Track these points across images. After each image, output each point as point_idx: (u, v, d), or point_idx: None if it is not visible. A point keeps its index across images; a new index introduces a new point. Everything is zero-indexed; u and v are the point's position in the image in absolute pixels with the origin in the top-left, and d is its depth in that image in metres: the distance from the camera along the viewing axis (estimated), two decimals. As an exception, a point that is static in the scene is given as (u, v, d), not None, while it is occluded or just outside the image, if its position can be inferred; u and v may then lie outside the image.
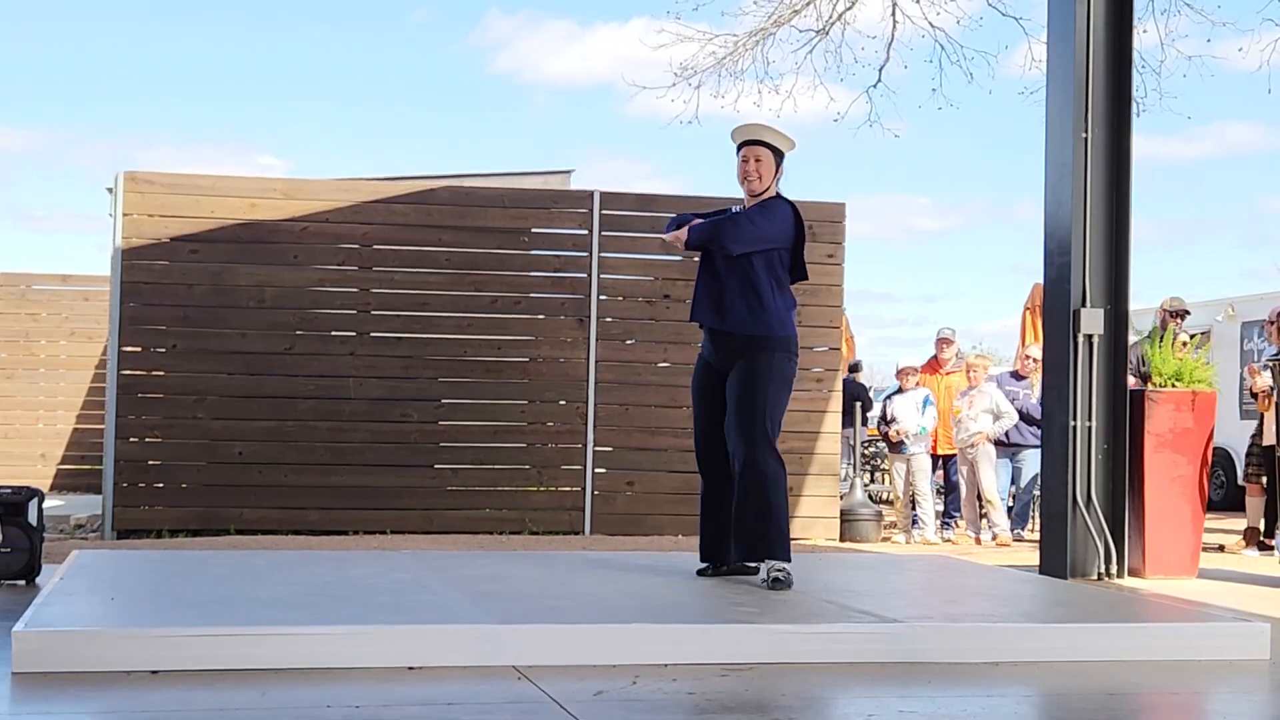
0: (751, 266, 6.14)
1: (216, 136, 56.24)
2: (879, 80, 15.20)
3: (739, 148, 6.29)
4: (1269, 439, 10.65)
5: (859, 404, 12.49)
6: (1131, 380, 8.71)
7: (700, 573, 6.36)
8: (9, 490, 6.55)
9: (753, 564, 6.21)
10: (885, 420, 12.22)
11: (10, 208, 56.96)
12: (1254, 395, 11.06)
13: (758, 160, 6.22)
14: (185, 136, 53.92)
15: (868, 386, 13.41)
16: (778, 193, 6.34)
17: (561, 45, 55.48)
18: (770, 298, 6.19)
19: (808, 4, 14.81)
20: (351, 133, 57.47)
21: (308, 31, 55.29)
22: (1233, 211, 57.89)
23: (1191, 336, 10.92)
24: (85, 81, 55.30)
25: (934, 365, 12.83)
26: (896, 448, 12.16)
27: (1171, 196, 55.41)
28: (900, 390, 12.36)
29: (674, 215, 6.51)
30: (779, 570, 6.01)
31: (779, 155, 6.29)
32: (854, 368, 14.03)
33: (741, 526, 6.09)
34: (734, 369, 6.20)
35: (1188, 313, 11.56)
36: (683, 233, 6.21)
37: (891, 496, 12.40)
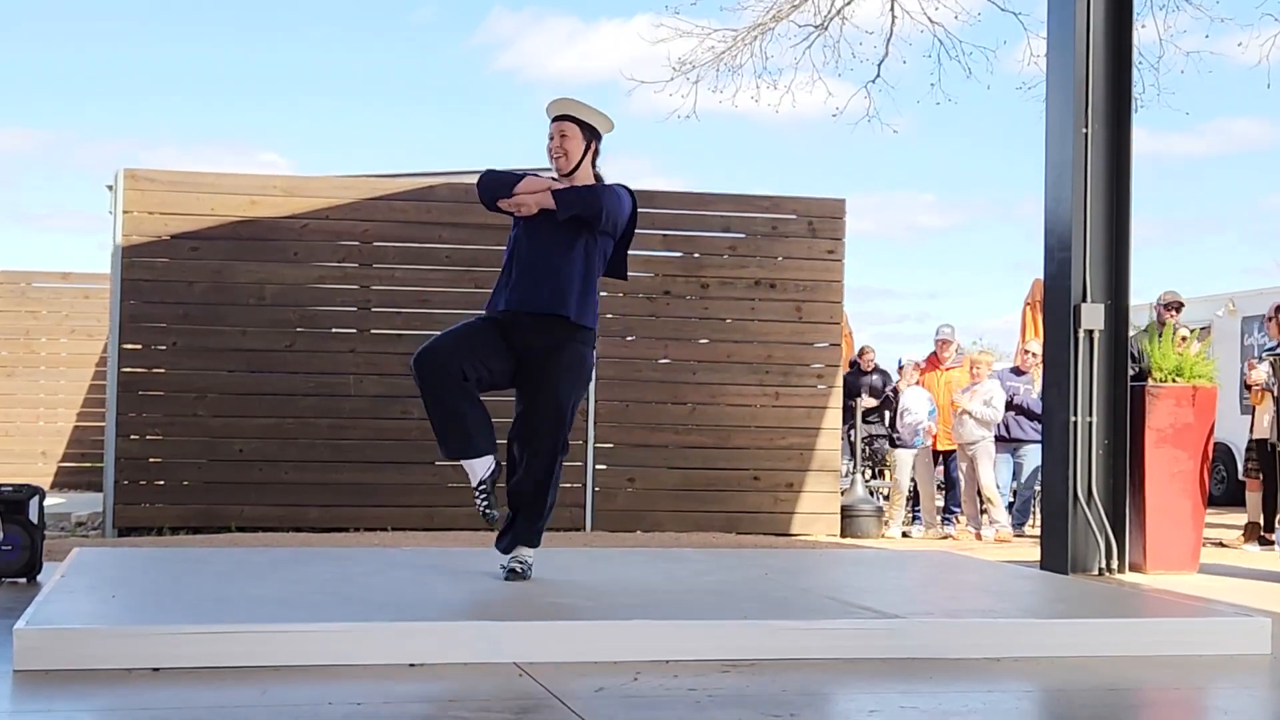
0: (590, 254, 5.70)
1: (220, 135, 56.15)
2: (878, 75, 15.22)
3: (550, 122, 5.78)
4: (1259, 433, 10.67)
5: (859, 399, 12.52)
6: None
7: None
8: (10, 488, 6.54)
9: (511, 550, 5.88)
10: (895, 411, 12.26)
11: (13, 207, 56.99)
12: (1248, 388, 11.07)
13: (564, 137, 5.74)
14: (189, 135, 53.83)
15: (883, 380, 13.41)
16: (597, 176, 5.87)
17: (564, 42, 55.40)
18: (595, 288, 5.79)
19: (806, -1, 14.82)
20: (355, 131, 57.39)
21: (310, 31, 55.22)
22: (1237, 208, 57.76)
23: (1191, 331, 10.91)
24: (88, 81, 55.27)
25: (934, 361, 12.86)
26: (905, 441, 12.18)
27: (1175, 194, 55.25)
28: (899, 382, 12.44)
29: (484, 175, 5.82)
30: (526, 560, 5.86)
31: (591, 134, 5.81)
32: (862, 352, 14.04)
33: (525, 523, 5.87)
34: (549, 355, 5.67)
35: (1181, 304, 11.56)
36: (545, 198, 5.63)
37: (890, 491, 12.41)
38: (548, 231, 5.69)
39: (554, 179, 5.88)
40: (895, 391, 12.51)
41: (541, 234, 5.70)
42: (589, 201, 5.63)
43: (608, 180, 5.89)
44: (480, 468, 5.73)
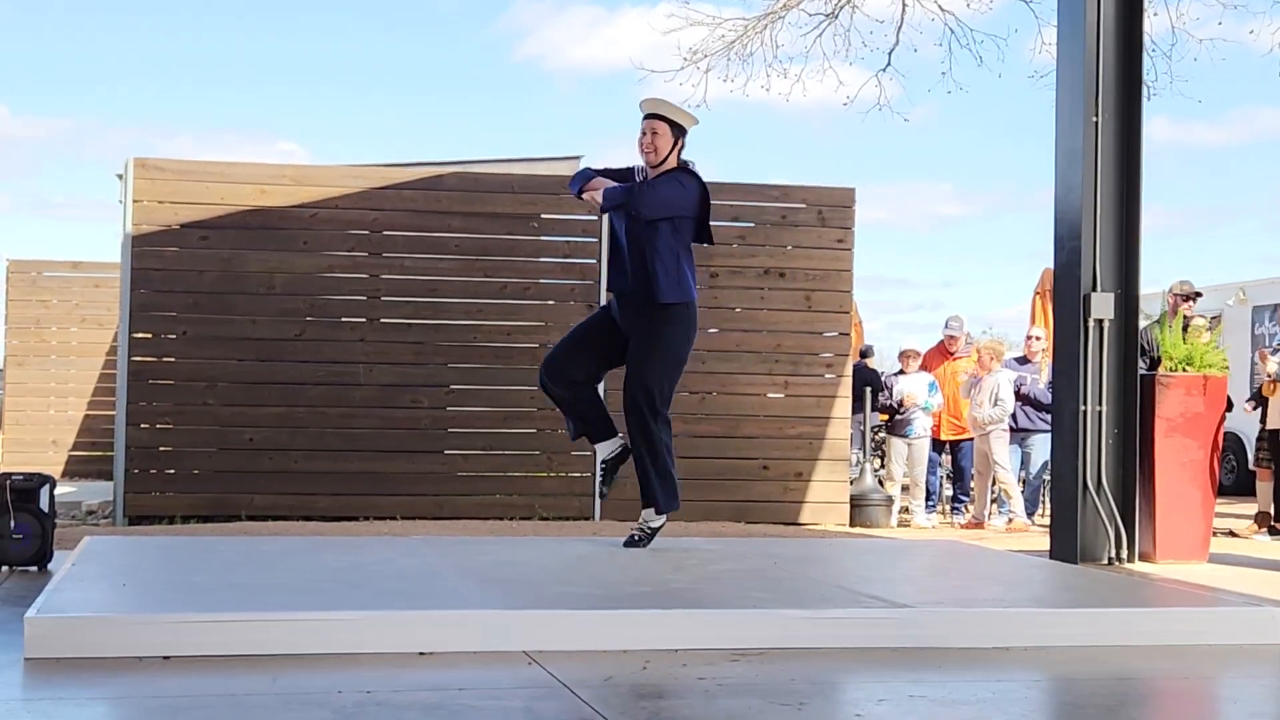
0: (660, 235, 6.45)
1: (238, 125, 56.21)
2: (888, 64, 15.20)
3: (642, 119, 6.57)
4: (1273, 423, 10.65)
5: (869, 389, 12.49)
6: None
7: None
8: (21, 477, 6.55)
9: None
10: (890, 396, 12.24)
11: (32, 196, 57.23)
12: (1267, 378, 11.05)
13: (654, 134, 6.51)
14: (205, 124, 53.94)
15: (880, 372, 13.42)
16: (681, 163, 6.63)
17: (587, 31, 55.24)
18: (682, 264, 6.54)
19: (817, -13, 14.80)
20: (374, 121, 57.37)
21: (331, 19, 55.22)
22: (1258, 197, 57.46)
23: (1203, 320, 10.88)
24: (107, 71, 55.36)
25: (944, 352, 12.84)
26: (898, 430, 12.17)
27: (1197, 182, 55.02)
28: (902, 371, 12.42)
29: (578, 171, 6.74)
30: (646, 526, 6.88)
31: (678, 130, 6.56)
32: (865, 353, 14.04)
33: (643, 479, 6.87)
34: (641, 331, 6.59)
35: (1199, 294, 11.52)
36: (599, 195, 6.48)
37: (885, 478, 12.35)
38: (636, 222, 6.48)
39: (634, 170, 6.67)
40: (886, 387, 12.46)
41: (632, 224, 6.50)
42: (619, 200, 6.44)
43: (694, 168, 6.69)
44: (602, 450, 6.93)
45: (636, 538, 6.81)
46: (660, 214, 6.45)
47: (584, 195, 6.65)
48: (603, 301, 6.86)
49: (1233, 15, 14.58)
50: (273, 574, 5.57)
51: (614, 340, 6.72)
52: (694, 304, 6.65)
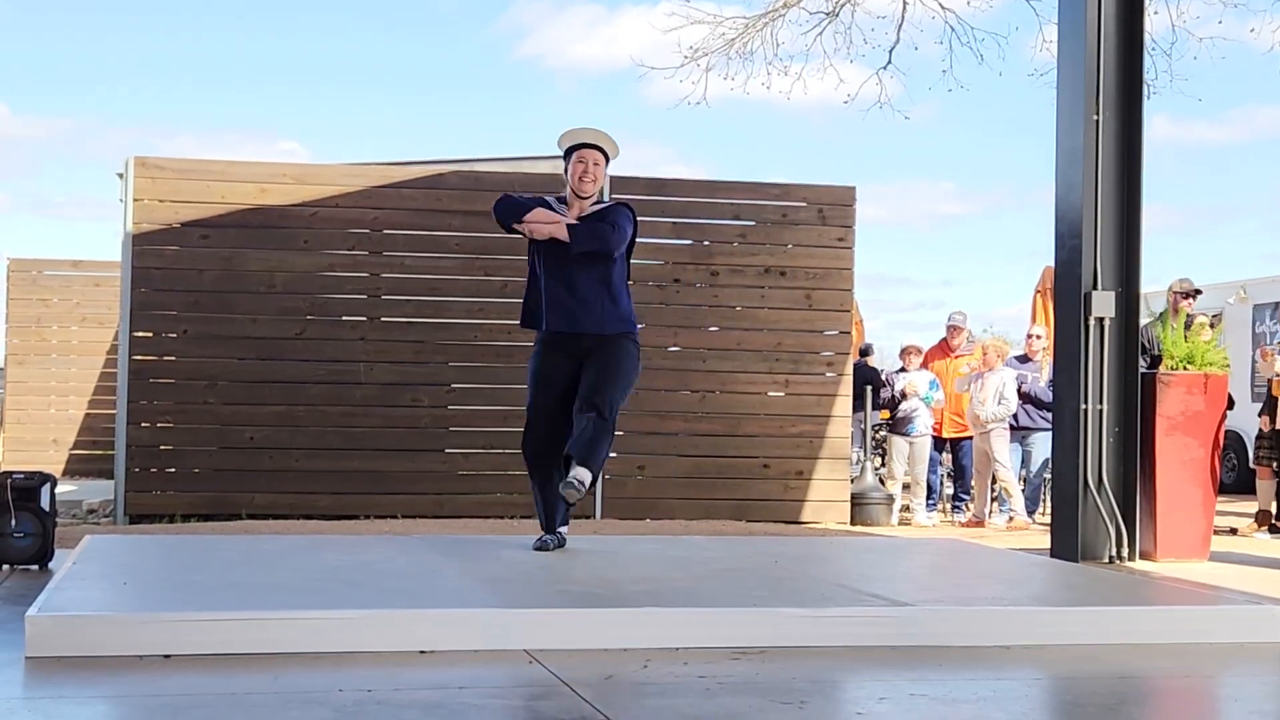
0: (612, 271, 6.54)
1: (239, 124, 56.05)
2: (889, 62, 15.20)
3: (573, 150, 6.61)
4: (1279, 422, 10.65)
5: (870, 388, 12.49)
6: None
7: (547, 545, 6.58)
8: (21, 475, 6.56)
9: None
10: (893, 390, 12.22)
11: (33, 195, 57.20)
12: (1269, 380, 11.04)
13: (596, 164, 6.62)
14: (205, 124, 53.79)
15: (880, 370, 13.41)
16: (600, 194, 6.82)
17: (587, 30, 55.12)
18: (628, 297, 6.67)
19: (817, -16, 14.80)
20: (375, 121, 57.26)
21: (330, 19, 55.10)
22: (1259, 196, 57.30)
23: (1205, 318, 10.88)
24: (108, 71, 55.27)
25: (945, 349, 12.82)
26: (899, 428, 12.16)
27: (1198, 181, 54.90)
28: (904, 369, 12.41)
29: (500, 200, 6.69)
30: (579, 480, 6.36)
31: (608, 160, 6.71)
32: (865, 351, 14.03)
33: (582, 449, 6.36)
34: (597, 353, 6.52)
35: (1198, 292, 11.51)
36: (560, 229, 6.44)
37: (886, 477, 12.31)
38: (566, 254, 6.46)
39: (558, 200, 6.66)
40: (888, 383, 12.48)
41: (562, 256, 6.47)
42: (602, 242, 6.45)
43: (604, 194, 6.77)
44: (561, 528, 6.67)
45: (575, 484, 6.25)
46: (622, 247, 6.60)
47: (528, 228, 6.52)
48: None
49: (1233, 14, 14.60)
50: (273, 573, 5.57)
51: (571, 380, 6.57)
52: (636, 331, 6.77)
